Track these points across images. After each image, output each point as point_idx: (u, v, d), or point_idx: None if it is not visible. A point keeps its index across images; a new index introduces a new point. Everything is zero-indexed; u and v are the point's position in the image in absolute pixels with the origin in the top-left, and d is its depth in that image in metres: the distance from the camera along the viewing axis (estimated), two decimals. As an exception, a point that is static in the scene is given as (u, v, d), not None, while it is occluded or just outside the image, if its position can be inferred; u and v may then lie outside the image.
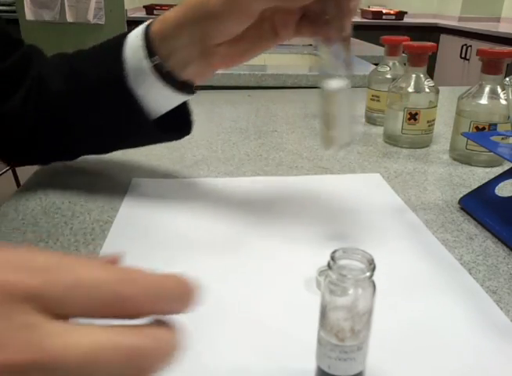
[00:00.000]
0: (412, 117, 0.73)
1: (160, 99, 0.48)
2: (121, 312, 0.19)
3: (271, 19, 0.44)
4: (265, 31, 0.45)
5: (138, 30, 0.46)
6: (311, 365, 0.31)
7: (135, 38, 0.46)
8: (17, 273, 0.18)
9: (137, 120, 0.48)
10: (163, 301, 0.20)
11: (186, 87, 0.48)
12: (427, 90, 0.73)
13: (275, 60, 1.59)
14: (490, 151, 0.53)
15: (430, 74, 1.04)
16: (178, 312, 0.20)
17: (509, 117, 0.61)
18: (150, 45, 0.45)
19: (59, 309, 0.18)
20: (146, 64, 0.45)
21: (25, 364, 0.17)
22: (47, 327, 0.17)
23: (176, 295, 0.20)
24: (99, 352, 0.17)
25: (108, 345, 0.18)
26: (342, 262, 0.28)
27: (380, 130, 0.83)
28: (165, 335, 0.19)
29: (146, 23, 0.46)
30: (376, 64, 1.02)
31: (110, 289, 0.18)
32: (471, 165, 0.67)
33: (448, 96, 1.09)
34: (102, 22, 2.44)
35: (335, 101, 0.38)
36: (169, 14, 0.45)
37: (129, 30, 0.47)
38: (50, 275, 0.18)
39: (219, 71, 0.50)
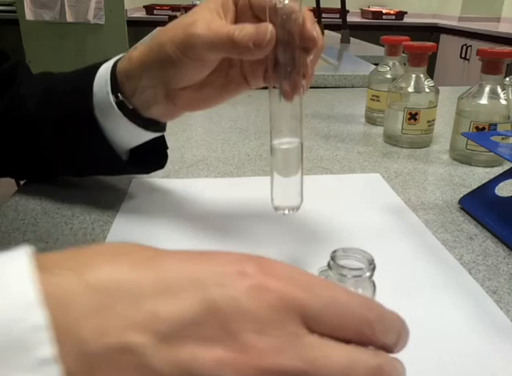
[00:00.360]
0: (412, 117, 0.73)
1: (126, 134, 0.47)
2: (360, 336, 0.20)
3: (239, 66, 0.42)
4: (233, 78, 0.42)
5: (109, 63, 0.45)
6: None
7: (104, 71, 0.45)
8: (292, 287, 0.19)
9: (105, 152, 0.47)
10: (392, 332, 0.21)
11: (154, 124, 0.47)
12: (427, 90, 0.73)
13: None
14: (490, 151, 0.53)
15: (430, 74, 1.04)
16: (395, 347, 0.22)
17: (509, 117, 0.61)
18: (116, 81, 0.44)
19: (316, 323, 0.19)
20: (111, 99, 0.44)
21: (296, 372, 0.18)
22: (309, 339, 0.19)
23: (398, 330, 0.22)
24: (354, 366, 0.19)
25: (360, 361, 0.19)
26: (342, 262, 0.28)
27: (380, 130, 0.83)
28: (398, 363, 0.22)
29: (116, 57, 0.45)
30: (376, 64, 1.02)
31: (359, 311, 0.20)
32: (471, 165, 0.67)
33: (448, 96, 1.10)
34: (102, 22, 2.44)
35: (280, 159, 0.37)
36: (134, 53, 0.43)
37: (107, 60, 0.46)
38: (313, 291, 0.20)
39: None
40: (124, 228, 0.48)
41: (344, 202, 0.55)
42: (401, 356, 0.32)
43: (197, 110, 0.46)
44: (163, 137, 0.52)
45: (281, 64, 0.33)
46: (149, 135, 0.48)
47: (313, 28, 0.35)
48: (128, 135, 0.47)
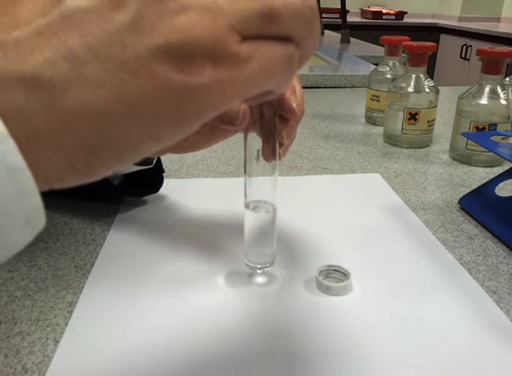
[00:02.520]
0: (412, 117, 0.73)
1: None
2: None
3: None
4: (219, 126, 0.42)
5: None
6: (314, 364, 0.31)
7: None
8: None
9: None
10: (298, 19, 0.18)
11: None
12: (427, 90, 0.73)
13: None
14: (490, 151, 0.53)
15: (430, 74, 1.04)
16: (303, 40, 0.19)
17: (509, 117, 0.61)
18: None
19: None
20: None
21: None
22: None
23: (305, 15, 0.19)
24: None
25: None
26: None
27: (380, 130, 0.83)
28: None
29: None
30: (376, 64, 1.02)
31: None
32: (471, 165, 0.67)
33: (448, 96, 1.10)
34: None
35: (253, 225, 0.37)
36: None
37: None
38: None
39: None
40: (124, 228, 0.48)
41: (344, 202, 0.55)
42: (401, 355, 0.32)
43: (184, 153, 0.46)
44: (159, 160, 0.52)
45: (265, 124, 0.33)
46: (136, 168, 0.48)
47: (292, 99, 0.34)
48: None
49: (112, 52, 0.15)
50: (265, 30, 0.17)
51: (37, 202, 0.16)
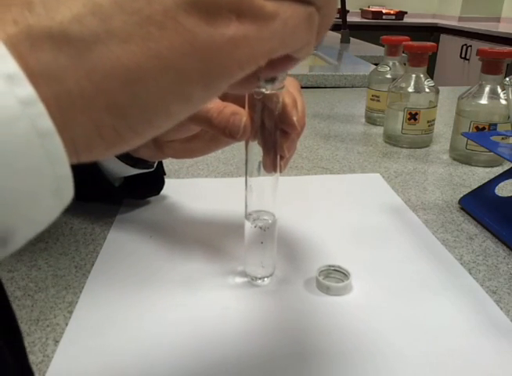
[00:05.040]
0: (412, 117, 0.73)
1: (115, 167, 0.47)
2: None
3: None
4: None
5: None
6: (314, 364, 0.31)
7: None
8: None
9: (96, 178, 0.47)
10: None
11: (142, 162, 0.47)
12: (427, 90, 0.73)
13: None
14: (490, 151, 0.53)
15: (430, 74, 1.04)
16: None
17: (509, 117, 0.61)
18: None
19: None
20: None
21: None
22: None
23: None
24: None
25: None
26: None
27: (380, 130, 0.83)
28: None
29: None
30: (376, 64, 1.02)
31: None
32: (471, 165, 0.67)
33: (448, 96, 1.10)
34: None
35: (254, 234, 0.37)
36: None
37: None
38: None
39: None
40: (124, 228, 0.48)
41: (344, 202, 0.55)
42: (401, 355, 0.32)
43: (185, 158, 0.46)
44: (160, 163, 0.52)
45: (266, 137, 0.33)
46: (137, 171, 0.48)
47: (293, 113, 0.34)
48: (118, 169, 0.47)
49: (138, 6, 0.15)
50: None
51: (67, 171, 0.16)
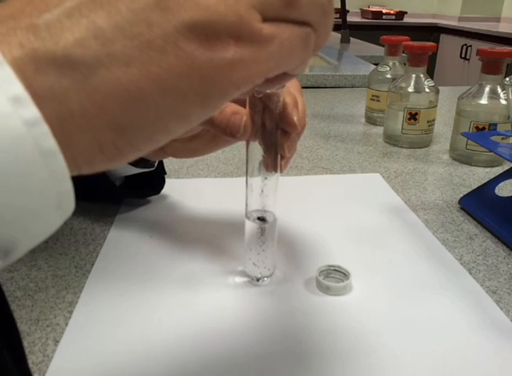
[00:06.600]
0: (412, 117, 0.73)
1: (115, 166, 0.46)
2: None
3: None
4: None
5: None
6: (313, 364, 0.31)
7: None
8: None
9: (97, 178, 0.47)
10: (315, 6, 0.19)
11: (143, 162, 0.47)
12: (427, 90, 0.73)
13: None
14: (490, 151, 0.53)
15: (430, 74, 1.04)
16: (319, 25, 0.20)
17: (509, 117, 0.61)
18: None
19: None
20: None
21: None
22: None
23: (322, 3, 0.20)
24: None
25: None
26: None
27: (380, 130, 0.83)
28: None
29: None
30: (376, 64, 1.02)
31: None
32: (471, 165, 0.67)
33: (448, 96, 1.10)
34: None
35: (254, 234, 0.37)
36: None
37: None
38: None
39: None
40: (124, 228, 0.48)
41: (344, 202, 0.55)
42: (401, 355, 0.32)
43: (186, 158, 0.46)
44: (161, 162, 0.52)
45: (266, 137, 0.33)
46: (138, 170, 0.48)
47: (294, 113, 0.34)
48: (118, 169, 0.47)
49: (139, 30, 0.16)
50: (284, 13, 0.18)
51: (69, 186, 0.16)
